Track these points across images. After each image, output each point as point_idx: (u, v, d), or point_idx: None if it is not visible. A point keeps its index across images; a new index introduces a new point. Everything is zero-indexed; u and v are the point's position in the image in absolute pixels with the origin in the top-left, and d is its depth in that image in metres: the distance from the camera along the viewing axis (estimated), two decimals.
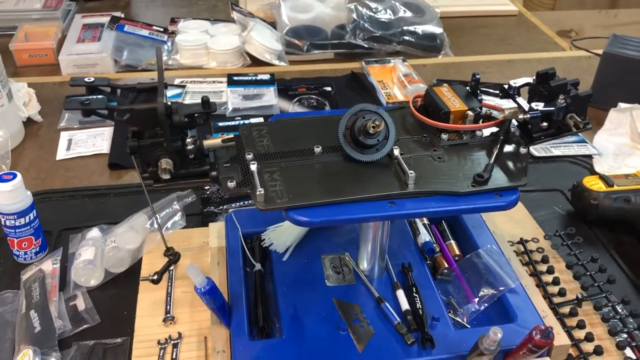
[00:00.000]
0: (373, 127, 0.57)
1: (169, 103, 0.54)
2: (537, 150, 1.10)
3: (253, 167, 0.57)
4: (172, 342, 0.69)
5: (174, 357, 0.68)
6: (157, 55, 0.57)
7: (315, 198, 0.56)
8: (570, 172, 1.06)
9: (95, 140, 1.13)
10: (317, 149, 0.61)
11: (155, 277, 0.60)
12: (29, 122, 1.18)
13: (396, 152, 0.60)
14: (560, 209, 0.97)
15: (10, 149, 1.06)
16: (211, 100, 0.56)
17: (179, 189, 0.94)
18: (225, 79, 1.31)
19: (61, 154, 1.10)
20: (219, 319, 0.67)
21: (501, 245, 0.77)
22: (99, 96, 0.54)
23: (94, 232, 0.86)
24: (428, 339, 0.64)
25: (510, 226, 0.85)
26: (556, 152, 1.11)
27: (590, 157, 1.10)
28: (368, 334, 0.65)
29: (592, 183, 0.92)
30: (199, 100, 0.56)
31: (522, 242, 0.82)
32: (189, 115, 0.54)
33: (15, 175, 0.81)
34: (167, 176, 0.55)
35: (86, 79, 0.54)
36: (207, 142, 0.58)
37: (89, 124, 1.18)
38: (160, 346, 0.69)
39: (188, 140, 0.55)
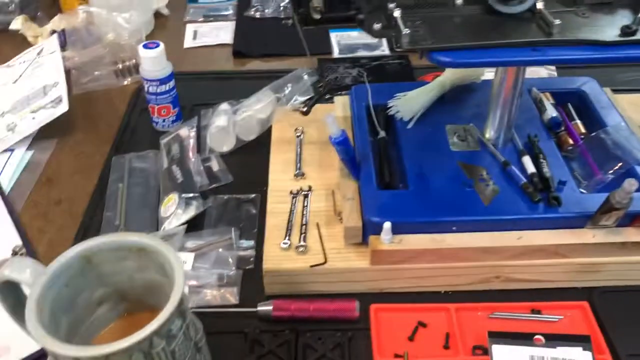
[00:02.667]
0: None
1: None
2: None
3: (397, 13, 0.59)
4: (303, 193, 0.74)
5: (305, 205, 0.73)
6: None
7: (459, 42, 0.58)
8: None
9: (219, 32, 1.19)
10: (459, 1, 0.62)
11: (305, 109, 0.64)
12: (157, 16, 1.25)
13: (539, 5, 0.60)
14: None
15: (144, 35, 1.14)
16: None
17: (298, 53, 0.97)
18: None
19: (188, 42, 1.17)
20: (349, 171, 0.71)
21: (631, 127, 0.76)
22: None
23: (225, 105, 0.92)
24: (554, 197, 0.65)
25: (639, 114, 0.83)
26: None
27: None
28: (494, 191, 0.67)
29: None
30: None
31: None
32: None
33: (158, 44, 0.87)
34: (317, 15, 0.58)
35: None
36: None
37: (212, 18, 1.24)
38: (292, 196, 0.74)
39: None
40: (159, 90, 0.89)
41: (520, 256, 0.65)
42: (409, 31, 0.56)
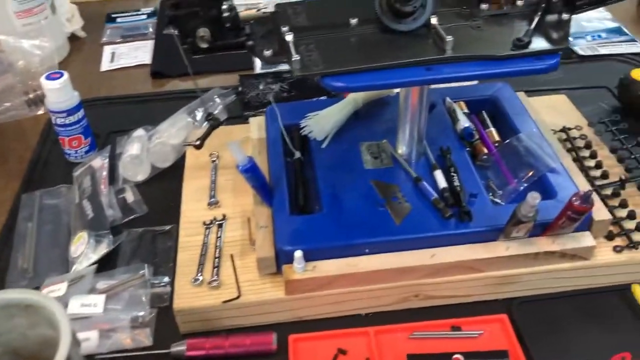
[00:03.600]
0: None
1: None
2: (582, 49, 1.07)
3: (289, 37, 0.58)
4: (217, 222, 0.72)
5: (219, 235, 0.70)
6: None
7: (352, 65, 0.56)
8: (617, 69, 1.02)
9: (137, 52, 1.15)
10: (353, 21, 0.61)
11: (198, 142, 0.62)
12: (73, 38, 1.20)
13: (434, 20, 0.59)
14: (605, 104, 0.94)
15: (57, 61, 1.09)
16: None
17: (222, 88, 0.95)
18: None
19: (105, 65, 1.13)
20: (261, 198, 0.69)
21: (543, 132, 0.76)
22: None
23: (139, 132, 0.88)
24: (465, 212, 0.64)
25: (553, 117, 0.83)
26: (603, 50, 1.07)
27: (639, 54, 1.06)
28: (406, 210, 0.66)
29: None
30: None
31: (564, 130, 0.81)
32: None
33: (62, 74, 0.83)
34: (204, 45, 0.56)
35: None
36: (243, 14, 0.58)
37: (131, 38, 1.20)
38: (205, 227, 0.72)
39: (224, 7, 0.56)
40: (67, 122, 0.85)
41: (436, 274, 0.64)
42: (299, 57, 0.55)
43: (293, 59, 0.55)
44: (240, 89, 1.01)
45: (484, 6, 0.62)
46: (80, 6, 1.28)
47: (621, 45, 1.08)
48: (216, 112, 0.86)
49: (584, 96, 0.95)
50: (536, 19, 0.60)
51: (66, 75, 0.83)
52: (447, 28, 0.60)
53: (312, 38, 0.60)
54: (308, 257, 0.63)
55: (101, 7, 1.32)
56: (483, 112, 0.81)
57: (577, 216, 0.59)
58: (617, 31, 1.11)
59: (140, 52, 1.15)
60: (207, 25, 0.56)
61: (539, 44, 0.58)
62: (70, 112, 0.84)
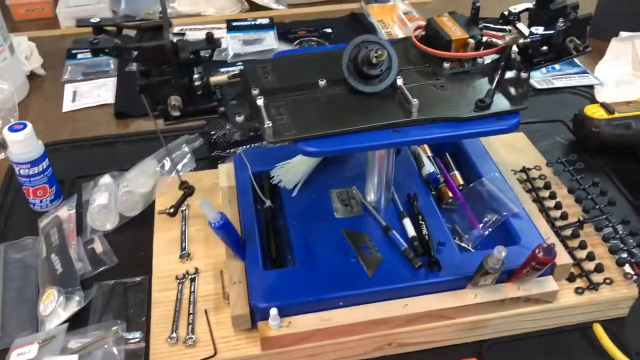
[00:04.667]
0: (376, 56, 0.58)
1: (175, 40, 0.55)
2: (538, 82, 1.11)
3: (260, 101, 0.59)
4: (190, 276, 0.72)
5: (192, 290, 0.71)
6: None
7: (322, 129, 0.57)
8: (571, 102, 1.07)
9: (100, 90, 1.14)
10: (322, 82, 0.62)
11: (172, 210, 0.62)
12: (32, 76, 1.19)
13: (399, 81, 0.61)
14: (562, 138, 0.98)
15: (16, 102, 1.07)
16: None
17: (188, 129, 0.95)
18: (224, 25, 1.31)
19: (67, 105, 1.11)
20: (233, 252, 0.69)
21: (504, 173, 0.79)
22: (106, 36, 0.55)
23: (106, 179, 0.88)
24: (435, 262, 0.66)
25: (512, 155, 0.86)
26: (557, 83, 1.11)
27: (591, 87, 1.11)
28: (377, 260, 0.67)
29: (593, 111, 0.93)
30: (203, 37, 0.57)
31: (524, 170, 0.84)
32: (195, 51, 0.55)
33: (25, 125, 0.82)
34: (176, 113, 0.56)
35: (92, 20, 0.55)
36: (213, 79, 0.59)
37: (93, 76, 1.19)
38: (178, 281, 0.72)
39: (195, 76, 0.56)
40: (31, 173, 0.84)
41: (408, 323, 0.66)
42: (270, 124, 0.56)
43: (265, 126, 0.56)
44: (206, 129, 1.01)
45: (446, 65, 0.65)
46: (39, 41, 1.27)
47: (574, 78, 1.12)
48: (185, 160, 0.86)
49: (541, 130, 0.99)
50: (496, 78, 0.62)
51: (30, 126, 0.82)
52: (412, 88, 0.62)
53: (282, 100, 0.61)
54: (283, 313, 0.63)
55: (60, 42, 1.30)
56: (446, 154, 0.83)
57: (540, 267, 0.62)
58: (570, 63, 1.16)
59: (103, 91, 1.14)
60: (179, 93, 0.56)
61: (500, 104, 0.60)
62: (34, 163, 0.83)
